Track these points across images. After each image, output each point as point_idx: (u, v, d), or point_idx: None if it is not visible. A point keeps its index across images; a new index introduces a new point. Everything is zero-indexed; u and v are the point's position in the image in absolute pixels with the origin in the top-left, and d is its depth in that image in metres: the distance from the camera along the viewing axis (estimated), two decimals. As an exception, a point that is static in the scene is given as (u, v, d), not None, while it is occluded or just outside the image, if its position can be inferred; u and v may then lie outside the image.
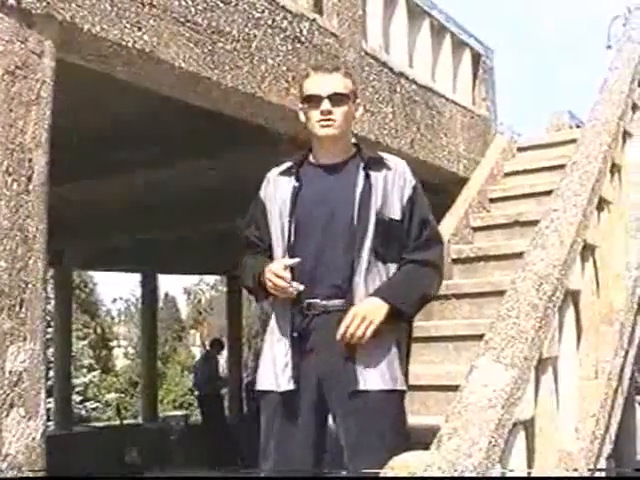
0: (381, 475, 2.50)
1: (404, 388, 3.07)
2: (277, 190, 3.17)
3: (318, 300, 2.99)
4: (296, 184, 3.12)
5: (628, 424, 6.31)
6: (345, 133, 3.16)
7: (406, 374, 3.12)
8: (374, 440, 2.93)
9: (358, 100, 3.24)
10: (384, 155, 3.24)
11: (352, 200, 3.03)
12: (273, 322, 3.13)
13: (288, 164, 3.22)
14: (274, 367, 3.06)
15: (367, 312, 2.91)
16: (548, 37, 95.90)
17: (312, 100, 3.11)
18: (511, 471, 3.07)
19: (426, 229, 3.12)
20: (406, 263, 3.07)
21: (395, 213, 3.07)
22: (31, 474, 3.71)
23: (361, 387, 2.95)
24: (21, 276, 3.77)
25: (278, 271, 2.95)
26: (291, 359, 3.01)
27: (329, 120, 3.07)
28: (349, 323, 2.90)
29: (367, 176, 3.07)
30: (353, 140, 3.26)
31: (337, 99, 3.08)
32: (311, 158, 3.21)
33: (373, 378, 2.96)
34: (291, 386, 3.00)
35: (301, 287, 2.95)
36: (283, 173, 3.20)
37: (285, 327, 3.05)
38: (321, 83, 3.12)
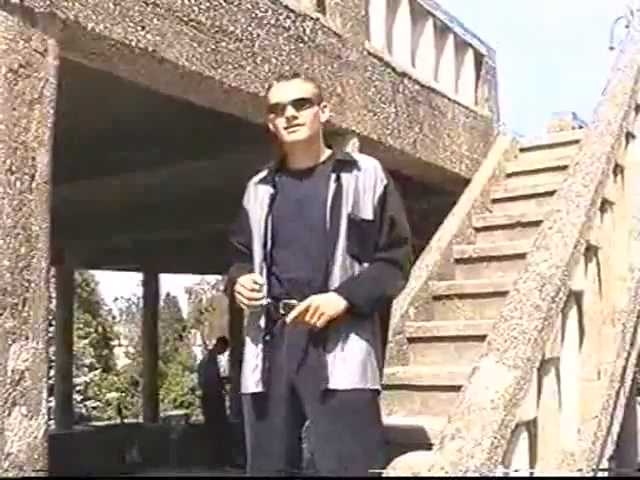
0: (384, 475, 2.50)
1: (376, 387, 3.10)
2: (256, 198, 3.25)
3: (295, 301, 3.03)
4: (272, 191, 3.20)
5: (630, 425, 6.31)
6: (314, 136, 3.20)
7: (380, 373, 3.16)
8: (345, 438, 2.96)
9: (323, 103, 3.28)
10: (357, 156, 3.30)
11: (324, 203, 3.08)
12: (249, 325, 3.22)
13: (265, 172, 3.30)
14: (246, 369, 3.15)
15: (321, 303, 2.96)
16: (551, 36, 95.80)
17: (276, 108, 3.17)
18: (516, 471, 3.07)
19: (394, 229, 3.15)
20: (375, 261, 3.12)
21: (367, 213, 3.11)
22: (33, 473, 3.72)
23: (331, 386, 2.99)
24: (24, 275, 3.77)
25: (245, 283, 3.05)
26: (261, 361, 3.08)
27: (295, 125, 3.13)
28: (302, 310, 2.96)
29: (337, 178, 3.12)
30: (327, 145, 3.29)
31: (299, 104, 3.14)
32: (286, 164, 3.27)
33: (343, 377, 3.00)
34: (260, 388, 3.07)
35: (264, 302, 3.07)
36: (261, 181, 3.28)
37: (259, 330, 3.13)
38: (282, 91, 3.18)
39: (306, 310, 2.95)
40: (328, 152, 3.26)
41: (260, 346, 3.10)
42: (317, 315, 2.95)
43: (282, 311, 3.06)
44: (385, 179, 3.18)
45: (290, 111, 3.12)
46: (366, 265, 3.11)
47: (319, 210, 3.08)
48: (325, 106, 3.28)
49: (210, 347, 14.64)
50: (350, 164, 3.18)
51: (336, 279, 3.04)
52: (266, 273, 3.10)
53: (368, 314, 3.11)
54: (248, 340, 3.18)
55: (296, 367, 3.03)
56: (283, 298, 3.07)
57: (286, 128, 3.14)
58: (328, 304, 2.97)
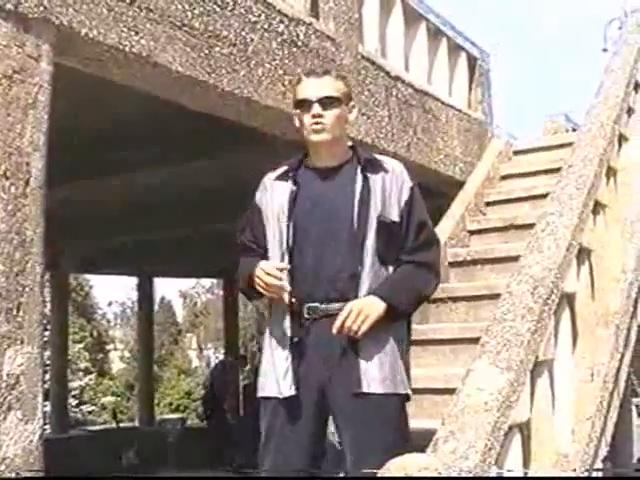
0: (378, 476, 2.50)
1: (406, 392, 3.05)
2: (274, 195, 3.16)
3: (318, 304, 2.98)
4: (293, 188, 3.11)
5: (624, 427, 6.32)
6: (339, 136, 3.15)
7: (408, 377, 3.10)
8: (375, 443, 2.92)
9: (352, 102, 3.23)
10: (381, 157, 3.23)
11: (351, 203, 3.03)
12: (272, 327, 3.12)
13: (284, 168, 3.21)
14: (275, 373, 3.05)
15: (363, 307, 2.91)
16: (549, 37, 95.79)
17: (303, 105, 3.10)
18: (509, 471, 3.08)
19: (423, 231, 3.12)
20: (404, 264, 3.07)
21: (394, 215, 3.07)
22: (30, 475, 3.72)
23: (364, 389, 2.94)
24: (19, 279, 3.78)
25: (268, 269, 2.95)
26: (291, 364, 3.00)
27: (320, 124, 3.07)
28: (346, 316, 2.90)
29: (365, 179, 3.07)
30: (349, 143, 3.26)
31: (327, 102, 3.08)
32: (307, 161, 3.20)
33: (375, 381, 2.95)
34: (292, 392, 2.99)
35: (288, 287, 2.96)
36: (280, 177, 3.19)
37: (284, 332, 3.04)
38: (311, 87, 3.11)
39: (348, 315, 2.89)
40: (350, 151, 3.20)
41: (287, 349, 3.02)
42: (361, 319, 2.89)
43: (306, 315, 2.99)
44: (410, 182, 3.14)
45: (317, 109, 3.06)
46: (390, 267, 3.07)
47: (346, 210, 3.02)
48: (354, 106, 3.23)
49: (230, 358, 14.74)
50: (376, 165, 3.13)
51: (365, 281, 2.99)
52: (286, 272, 3.00)
53: (407, 315, 3.09)
54: (273, 343, 3.09)
55: (326, 370, 2.98)
56: (305, 300, 2.99)
57: (311, 125, 3.08)
58: (369, 307, 2.92)
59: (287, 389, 3.00)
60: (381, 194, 3.06)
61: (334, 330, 2.90)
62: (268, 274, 2.93)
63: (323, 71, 3.24)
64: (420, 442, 3.27)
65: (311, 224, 3.05)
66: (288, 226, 3.05)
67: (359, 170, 3.10)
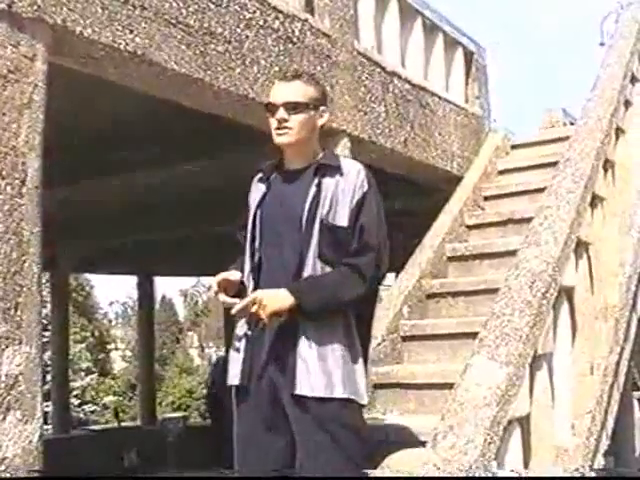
0: (378, 471, 2.51)
1: (346, 396, 3.02)
2: (253, 195, 3.31)
3: None
4: (265, 190, 3.26)
5: (626, 420, 6.33)
6: (304, 140, 3.19)
7: (357, 383, 3.08)
8: (312, 445, 2.98)
9: (323, 107, 3.25)
10: (343, 161, 3.27)
11: (302, 206, 3.11)
12: (239, 321, 3.25)
13: (264, 169, 3.34)
14: (230, 362, 3.21)
15: (264, 297, 2.99)
16: (548, 36, 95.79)
17: (270, 109, 3.18)
18: (512, 471, 3.08)
19: (363, 235, 3.12)
20: (339, 265, 3.11)
21: (342, 219, 3.11)
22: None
23: (296, 392, 3.00)
24: (16, 280, 3.77)
25: (218, 277, 3.18)
26: (244, 355, 3.13)
27: (284, 128, 3.14)
28: (246, 304, 3.00)
29: (319, 183, 3.14)
30: (320, 147, 3.29)
31: (292, 107, 3.13)
32: (281, 164, 3.29)
33: (307, 384, 3.00)
34: (236, 382, 3.13)
35: (222, 298, 3.17)
36: (260, 179, 3.33)
37: (243, 326, 3.19)
38: (279, 92, 3.19)
39: (253, 303, 2.99)
40: (321, 154, 3.25)
41: (243, 341, 3.16)
42: (257, 308, 2.98)
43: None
44: (366, 185, 3.15)
45: (281, 113, 3.13)
46: None
47: (298, 213, 3.10)
48: (324, 111, 3.26)
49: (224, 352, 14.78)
50: (333, 168, 3.18)
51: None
52: (249, 271, 3.17)
53: (314, 316, 3.07)
54: (235, 335, 3.23)
55: (274, 367, 3.06)
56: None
57: (275, 129, 3.16)
58: (274, 299, 2.99)
59: (235, 379, 3.15)
60: (330, 198, 3.12)
61: (232, 312, 3.06)
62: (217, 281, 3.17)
63: (293, 75, 3.29)
64: (420, 438, 3.27)
65: (272, 225, 3.18)
66: (253, 226, 3.21)
67: (316, 175, 3.17)
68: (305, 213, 3.09)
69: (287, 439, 3.06)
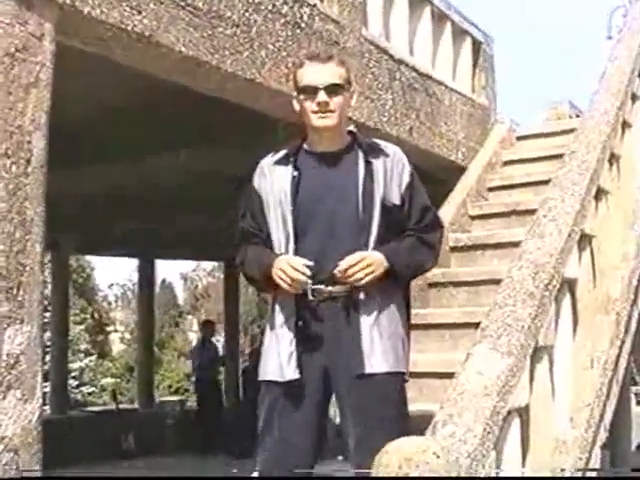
0: (375, 459, 2.50)
1: (403, 370, 3.06)
2: (274, 180, 3.14)
3: (323, 286, 2.98)
4: (295, 173, 3.10)
5: (623, 414, 6.34)
6: (342, 122, 3.14)
7: (407, 360, 3.13)
8: (378, 423, 2.93)
9: (352, 87, 3.21)
10: (380, 142, 3.24)
11: (355, 188, 3.04)
12: (276, 311, 3.11)
13: (284, 152, 3.19)
14: (279, 357, 3.04)
15: (374, 261, 2.94)
16: (552, 27, 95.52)
17: (307, 91, 3.08)
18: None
19: (428, 215, 3.16)
20: (408, 237, 3.10)
21: (395, 199, 3.09)
22: (28, 457, 3.72)
23: (366, 371, 2.95)
24: (19, 259, 3.77)
25: (296, 264, 2.93)
26: (295, 348, 3.01)
27: (327, 112, 3.06)
28: (354, 263, 2.91)
29: (368, 164, 3.08)
30: (350, 127, 3.23)
31: (333, 90, 3.06)
32: (306, 146, 3.19)
33: (377, 362, 2.97)
34: (296, 375, 2.99)
35: (311, 285, 2.95)
36: (279, 162, 3.17)
37: (289, 316, 3.04)
38: (316, 74, 3.08)
39: (356, 263, 2.91)
40: (348, 136, 3.19)
41: (292, 333, 3.02)
42: (366, 272, 2.91)
43: (311, 297, 2.97)
44: (408, 165, 3.17)
45: (322, 96, 3.04)
46: None
47: (350, 195, 3.04)
48: (354, 91, 3.23)
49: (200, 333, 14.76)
50: (377, 150, 3.14)
51: None
52: (291, 252, 3.02)
53: (405, 280, 3.13)
54: (277, 326, 3.08)
55: (330, 353, 2.99)
56: (310, 283, 2.95)
57: (316, 112, 3.06)
58: (377, 263, 2.94)
59: (291, 373, 3.00)
60: (383, 179, 3.08)
61: (336, 271, 2.93)
62: (296, 269, 2.92)
63: (327, 56, 3.21)
64: (419, 426, 3.27)
65: (316, 209, 3.05)
66: (292, 211, 3.05)
67: (361, 155, 3.11)
68: (360, 195, 3.02)
69: (321, 435, 3.06)
